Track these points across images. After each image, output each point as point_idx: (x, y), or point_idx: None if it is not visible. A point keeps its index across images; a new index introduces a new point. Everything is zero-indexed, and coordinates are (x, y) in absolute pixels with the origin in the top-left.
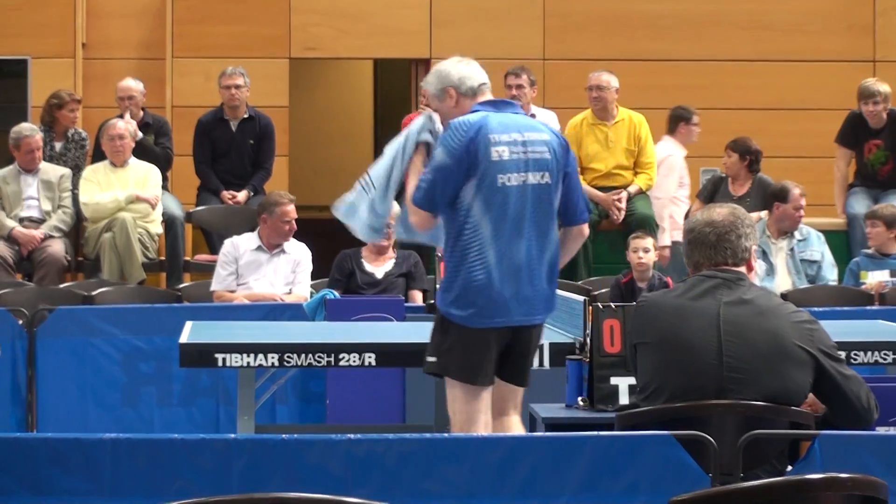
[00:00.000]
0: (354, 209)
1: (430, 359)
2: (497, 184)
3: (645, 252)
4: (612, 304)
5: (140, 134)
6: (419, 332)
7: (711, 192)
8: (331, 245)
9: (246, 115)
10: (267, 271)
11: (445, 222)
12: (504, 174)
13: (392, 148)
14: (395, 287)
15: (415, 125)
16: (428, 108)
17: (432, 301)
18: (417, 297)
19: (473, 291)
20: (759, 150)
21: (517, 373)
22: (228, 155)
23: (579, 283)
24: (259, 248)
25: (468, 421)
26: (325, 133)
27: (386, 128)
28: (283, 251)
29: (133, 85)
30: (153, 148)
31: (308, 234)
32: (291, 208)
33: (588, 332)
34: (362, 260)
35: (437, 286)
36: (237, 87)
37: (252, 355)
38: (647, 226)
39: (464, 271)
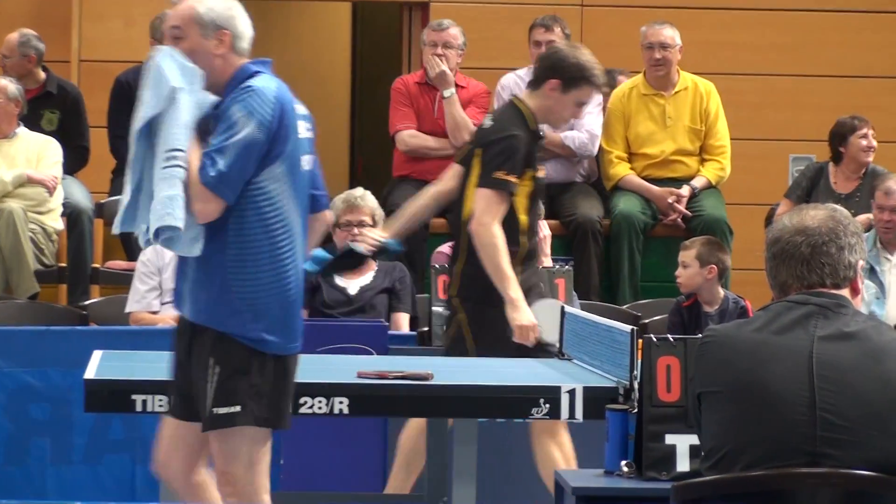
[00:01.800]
0: (134, 207)
1: (228, 410)
2: (300, 168)
3: (683, 267)
4: (670, 337)
5: None
6: (408, 368)
7: (807, 188)
8: None
9: None
10: None
11: (227, 217)
12: (303, 155)
13: (155, 100)
14: (375, 308)
15: (177, 72)
16: (438, 60)
17: (425, 328)
18: (402, 322)
19: (287, 308)
20: None
21: None
22: None
23: (624, 307)
24: None
25: (266, 478)
26: None
27: (367, 91)
28: None
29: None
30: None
31: None
32: None
33: (636, 373)
34: None
35: (433, 306)
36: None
37: None
38: (718, 231)
39: (276, 283)
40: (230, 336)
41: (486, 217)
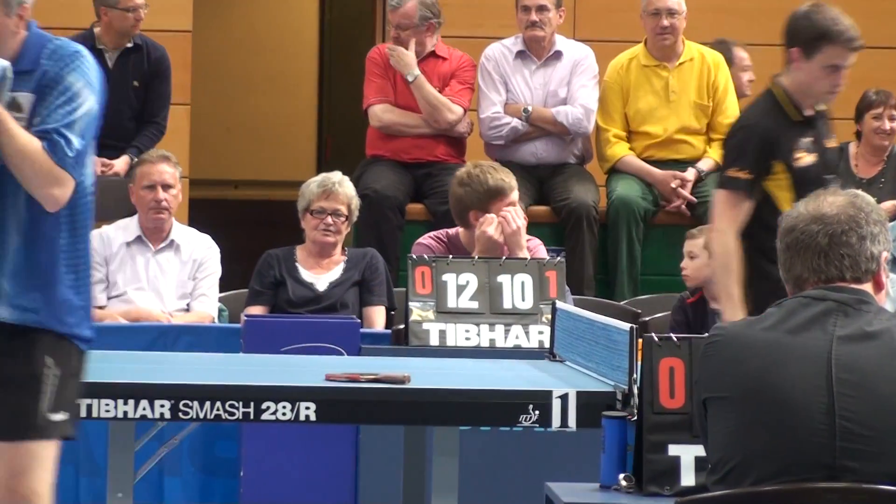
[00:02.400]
0: None
1: (62, 417)
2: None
3: (690, 258)
4: (674, 337)
5: None
6: (382, 370)
7: None
8: (250, 238)
9: (130, 45)
10: (151, 276)
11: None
12: None
13: None
14: (346, 304)
15: None
16: (398, 39)
17: (402, 326)
18: (376, 318)
19: (91, 299)
20: None
21: None
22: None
23: (622, 303)
24: (138, 241)
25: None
26: (245, 72)
27: (337, 66)
28: (174, 246)
29: None
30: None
31: (216, 223)
32: (161, 169)
33: (636, 376)
34: (297, 264)
35: (410, 301)
36: (135, 8)
37: (130, 402)
38: None
39: (86, 272)
40: (67, 337)
41: (720, 222)
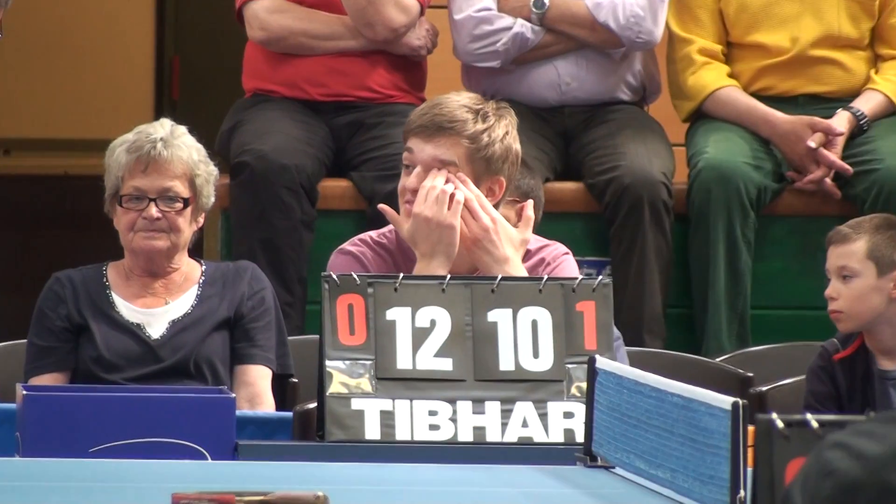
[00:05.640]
0: None
1: None
2: None
3: (841, 279)
4: (813, 420)
5: None
6: (276, 487)
7: None
8: (36, 246)
9: None
10: None
11: None
12: None
13: None
14: (200, 363)
15: None
16: None
17: (312, 405)
18: (260, 386)
19: None
20: None
21: None
22: None
23: (719, 359)
24: None
25: None
26: None
27: None
28: None
29: None
30: None
31: None
32: None
33: (744, 494)
34: (110, 293)
35: (327, 360)
36: None
37: None
38: None
39: None
40: None
41: None
